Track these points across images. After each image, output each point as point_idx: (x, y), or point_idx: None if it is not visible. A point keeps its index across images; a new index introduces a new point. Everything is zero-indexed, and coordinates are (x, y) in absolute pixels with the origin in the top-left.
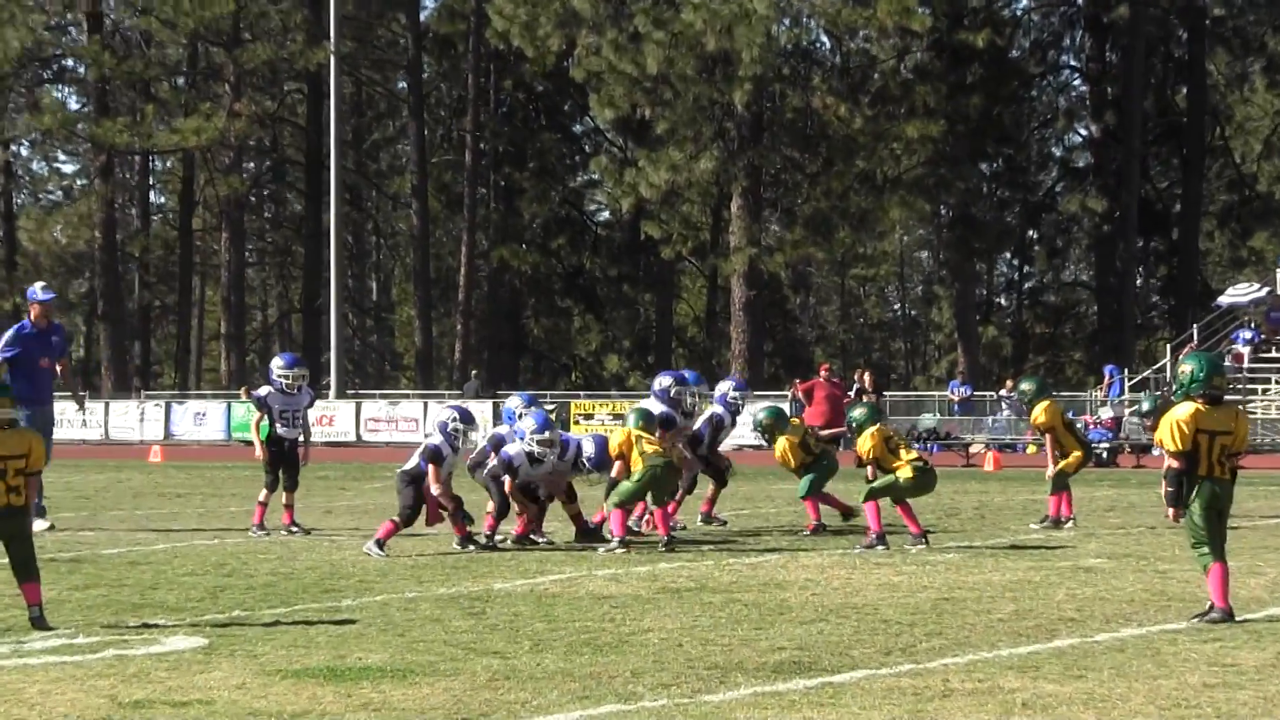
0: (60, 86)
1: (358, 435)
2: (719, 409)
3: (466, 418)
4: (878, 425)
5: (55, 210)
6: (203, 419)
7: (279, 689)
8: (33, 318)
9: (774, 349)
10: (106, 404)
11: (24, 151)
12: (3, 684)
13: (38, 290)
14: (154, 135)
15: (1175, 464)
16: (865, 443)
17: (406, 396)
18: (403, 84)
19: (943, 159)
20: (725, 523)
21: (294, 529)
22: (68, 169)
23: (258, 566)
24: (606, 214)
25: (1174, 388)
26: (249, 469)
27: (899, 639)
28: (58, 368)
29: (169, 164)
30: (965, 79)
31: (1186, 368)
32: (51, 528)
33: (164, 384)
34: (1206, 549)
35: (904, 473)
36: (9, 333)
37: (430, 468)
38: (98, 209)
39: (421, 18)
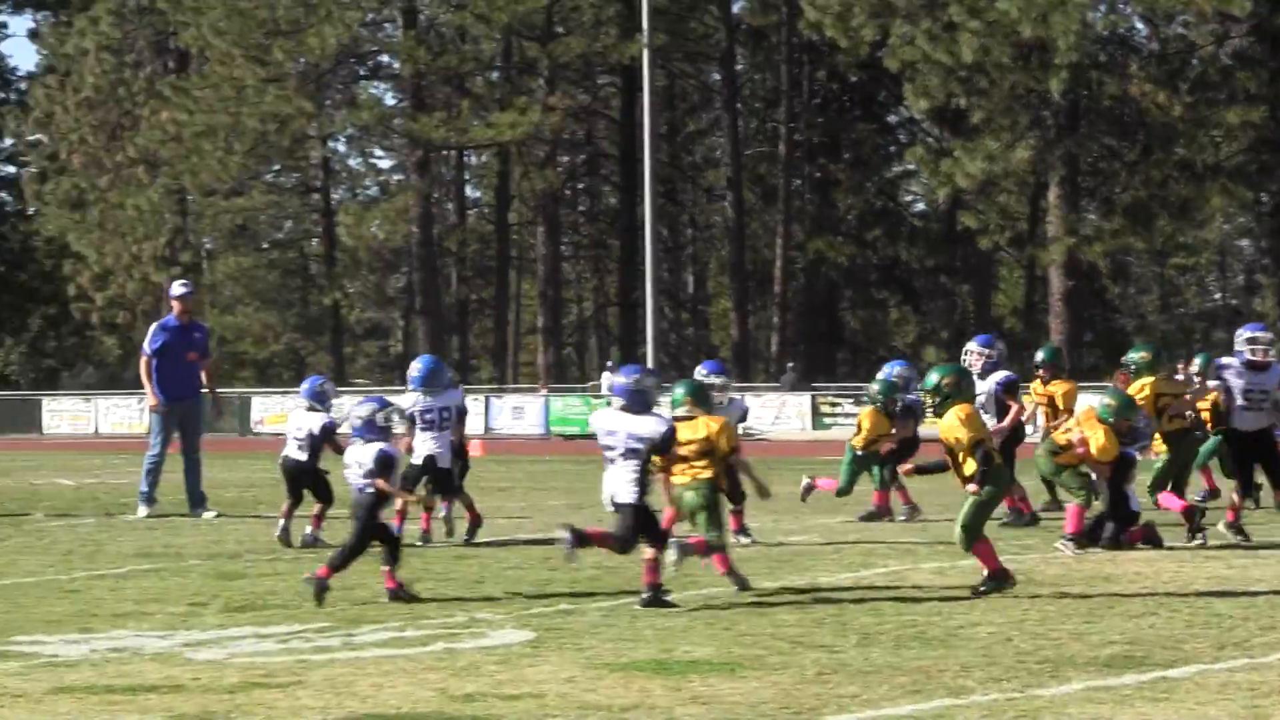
0: (376, 83)
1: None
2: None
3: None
4: (1155, 376)
5: (373, 206)
6: (520, 413)
7: (608, 682)
8: (175, 313)
9: (1093, 339)
10: None
11: (341, 148)
12: (334, 676)
13: (177, 285)
14: (469, 130)
15: None
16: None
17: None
18: (716, 76)
19: (1264, 145)
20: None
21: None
22: (384, 164)
23: (583, 559)
24: (922, 205)
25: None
26: (570, 463)
27: (1232, 633)
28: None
29: (484, 158)
30: None
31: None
32: (219, 516)
33: (481, 378)
34: None
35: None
36: (153, 328)
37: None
38: (414, 204)
39: (734, 9)
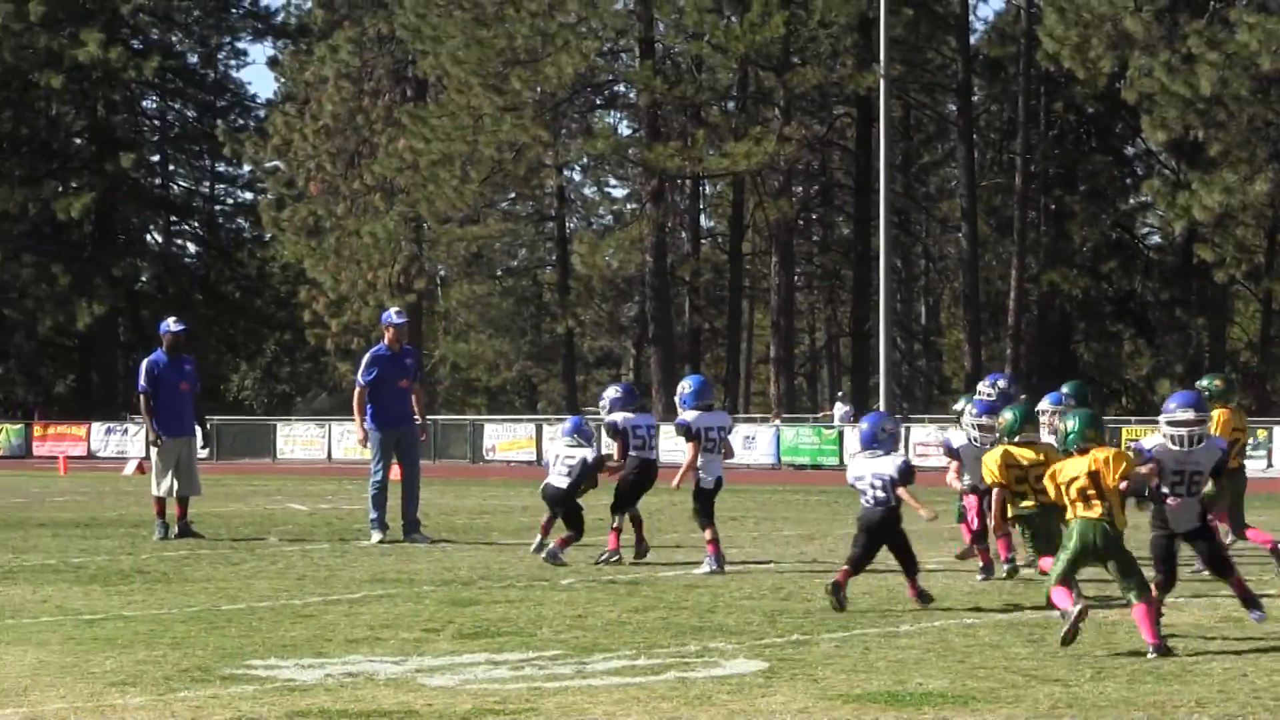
0: (612, 112)
1: None
2: None
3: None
4: (1228, 407)
5: (607, 234)
6: (752, 443)
7: (841, 713)
8: (387, 341)
9: None
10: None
11: (577, 176)
12: (568, 704)
13: (391, 314)
14: (704, 159)
15: None
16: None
17: (955, 421)
18: (952, 107)
19: None
20: None
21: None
22: (619, 193)
23: (814, 590)
24: (1158, 237)
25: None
26: (800, 493)
27: None
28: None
29: (719, 188)
30: None
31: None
32: (434, 542)
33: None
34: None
35: None
36: (367, 356)
37: None
38: (649, 233)
39: (972, 40)
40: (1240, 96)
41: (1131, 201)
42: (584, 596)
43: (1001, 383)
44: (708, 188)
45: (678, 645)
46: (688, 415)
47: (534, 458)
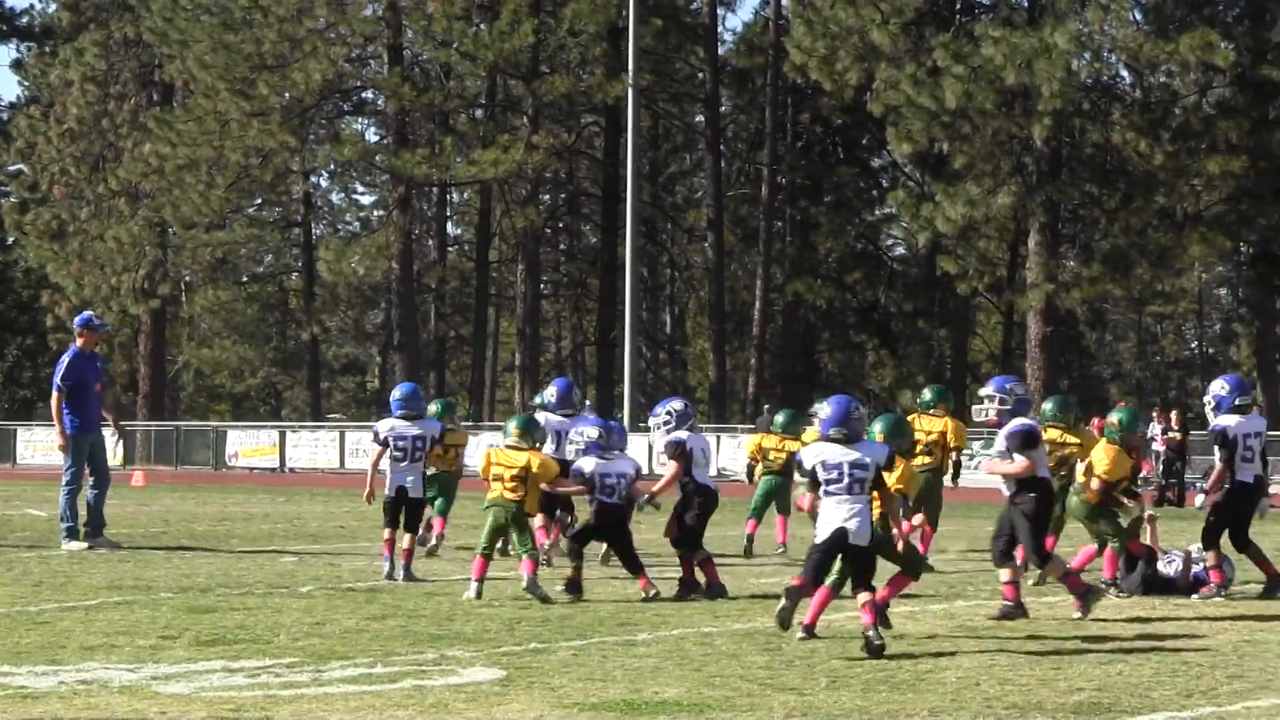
0: (360, 118)
1: (651, 470)
2: None
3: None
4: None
5: (353, 241)
6: None
7: None
8: (81, 344)
9: (1069, 386)
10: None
11: (323, 183)
12: (303, 712)
13: (91, 317)
14: (452, 167)
15: None
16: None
17: (700, 430)
18: (700, 117)
19: (1244, 195)
20: None
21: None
22: (366, 200)
23: (554, 599)
24: (902, 249)
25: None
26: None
27: (1199, 681)
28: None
29: (466, 195)
30: (1268, 114)
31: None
32: (91, 548)
33: (458, 416)
34: None
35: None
36: (65, 361)
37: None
38: (395, 240)
39: (720, 51)
40: (985, 110)
41: (876, 213)
42: (323, 604)
43: (578, 397)
44: (455, 195)
45: (415, 653)
46: (381, 424)
47: (277, 464)
